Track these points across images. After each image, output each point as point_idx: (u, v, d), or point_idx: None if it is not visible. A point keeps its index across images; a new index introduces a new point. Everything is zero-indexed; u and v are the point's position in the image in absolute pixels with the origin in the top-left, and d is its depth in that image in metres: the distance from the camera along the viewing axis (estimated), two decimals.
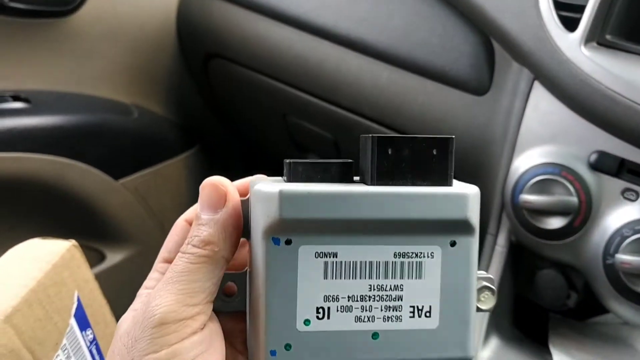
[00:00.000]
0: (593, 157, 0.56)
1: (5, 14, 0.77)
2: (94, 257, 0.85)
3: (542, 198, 0.56)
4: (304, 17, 0.75)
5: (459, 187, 0.28)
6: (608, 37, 0.55)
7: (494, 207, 0.62)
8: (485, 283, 0.29)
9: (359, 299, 0.27)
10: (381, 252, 0.27)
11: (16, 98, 0.79)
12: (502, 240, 0.62)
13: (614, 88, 0.54)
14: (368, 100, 0.71)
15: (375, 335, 0.27)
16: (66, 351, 0.42)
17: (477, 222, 0.28)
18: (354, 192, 0.26)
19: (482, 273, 0.29)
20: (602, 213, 0.55)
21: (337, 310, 0.27)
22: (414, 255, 0.27)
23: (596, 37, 0.55)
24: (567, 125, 0.57)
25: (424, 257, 0.27)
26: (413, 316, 0.27)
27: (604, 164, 0.55)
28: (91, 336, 0.44)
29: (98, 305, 0.46)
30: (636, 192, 0.54)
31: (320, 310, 0.27)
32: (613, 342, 0.61)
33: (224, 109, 0.94)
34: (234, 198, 0.28)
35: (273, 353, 0.26)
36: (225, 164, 1.00)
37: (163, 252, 0.30)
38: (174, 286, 0.26)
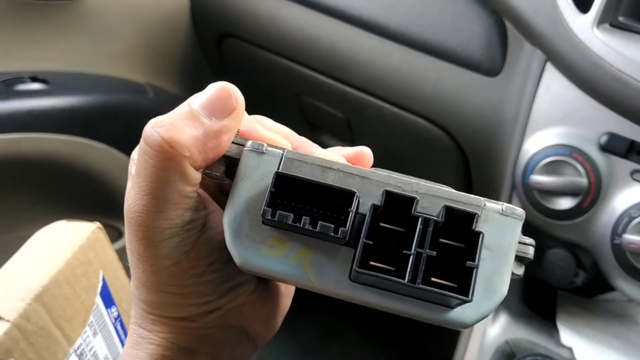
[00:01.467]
0: (603, 139, 0.56)
1: None
2: (111, 235, 0.87)
3: (553, 179, 0.57)
4: None
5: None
6: (621, 18, 0.55)
7: (504, 188, 0.63)
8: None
9: None
10: None
11: (34, 79, 0.80)
12: None
13: (626, 70, 0.54)
14: (380, 80, 0.72)
15: None
16: (93, 328, 0.44)
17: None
18: (329, 290, 0.24)
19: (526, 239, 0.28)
20: (611, 194, 0.56)
21: None
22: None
23: (609, 19, 0.55)
24: (579, 107, 0.58)
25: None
26: None
27: (614, 146, 0.56)
28: (116, 313, 0.47)
29: (121, 284, 0.48)
30: None
31: None
32: (619, 319, 0.63)
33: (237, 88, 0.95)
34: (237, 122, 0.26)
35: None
36: None
37: None
38: (145, 200, 0.25)
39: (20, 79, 0.80)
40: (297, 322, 1.10)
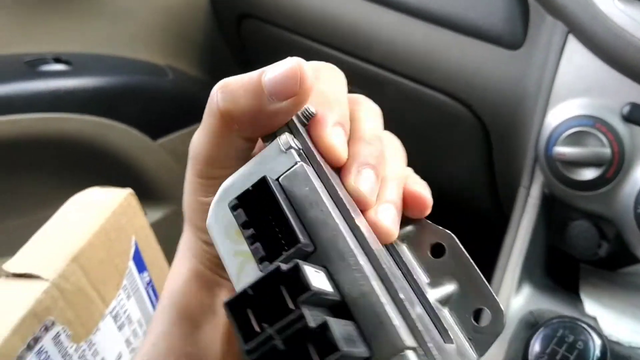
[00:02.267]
0: (626, 109, 0.56)
1: None
2: None
3: (576, 150, 0.57)
4: None
5: None
6: None
7: (527, 160, 0.63)
8: None
9: None
10: None
11: (57, 60, 0.81)
12: (535, 192, 0.63)
13: None
14: (401, 56, 0.72)
15: None
16: (126, 291, 0.45)
17: None
18: None
19: None
20: (634, 164, 0.56)
21: None
22: None
23: None
24: (601, 78, 0.58)
25: None
26: None
27: (637, 116, 0.56)
28: (148, 278, 0.47)
29: (153, 250, 0.49)
30: None
31: None
32: None
33: (256, 69, 0.96)
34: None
35: None
36: None
37: None
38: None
39: (44, 60, 0.81)
40: None
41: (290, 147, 0.24)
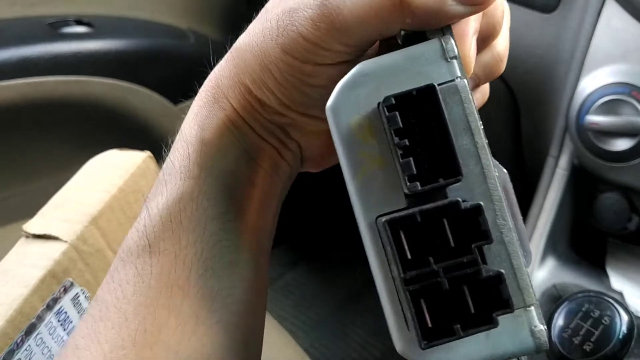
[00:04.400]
0: None
1: None
2: None
3: (609, 119, 0.55)
4: None
5: None
6: None
7: (557, 129, 0.61)
8: None
9: None
10: None
11: (79, 22, 0.80)
12: (563, 163, 0.61)
13: None
14: None
15: None
16: None
17: None
18: None
19: None
20: None
21: None
22: None
23: None
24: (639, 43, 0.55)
25: None
26: None
27: None
28: None
29: None
30: None
31: None
32: None
33: None
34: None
35: None
36: None
37: None
38: None
39: (66, 22, 0.80)
40: (335, 276, 1.11)
41: (455, 56, 0.22)
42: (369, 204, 0.21)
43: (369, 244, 0.21)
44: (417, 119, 0.20)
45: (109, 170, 0.44)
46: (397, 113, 0.20)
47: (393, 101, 0.20)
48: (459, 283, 0.20)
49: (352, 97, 0.22)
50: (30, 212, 0.43)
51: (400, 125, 0.20)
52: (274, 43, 0.25)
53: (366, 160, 0.22)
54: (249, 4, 0.93)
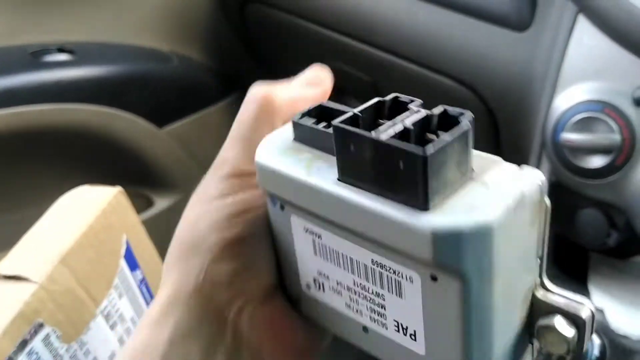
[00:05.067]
0: (638, 93, 0.54)
1: None
2: (142, 203, 0.89)
3: (584, 136, 0.55)
4: None
5: (441, 213, 0.19)
6: None
7: (534, 147, 0.61)
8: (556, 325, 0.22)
9: (346, 288, 0.24)
10: (360, 253, 0.22)
11: (61, 50, 0.81)
12: None
13: None
14: (405, 40, 0.70)
15: (365, 329, 0.24)
16: (118, 290, 0.45)
17: (478, 266, 0.20)
18: (317, 187, 0.22)
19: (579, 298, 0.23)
20: None
21: (329, 289, 0.24)
22: (391, 271, 0.22)
23: None
24: (612, 60, 0.55)
25: (402, 277, 0.21)
26: (398, 331, 0.23)
27: None
28: (140, 276, 0.47)
29: (145, 248, 0.48)
30: None
31: (316, 282, 0.25)
32: None
33: (262, 54, 0.94)
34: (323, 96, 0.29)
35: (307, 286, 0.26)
36: None
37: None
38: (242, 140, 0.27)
39: (48, 51, 0.81)
40: None
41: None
42: (327, 176, 0.23)
43: None
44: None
45: (80, 208, 0.44)
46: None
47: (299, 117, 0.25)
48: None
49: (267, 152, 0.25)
50: (16, 242, 0.44)
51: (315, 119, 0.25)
52: None
53: (307, 159, 0.25)
54: (231, 24, 0.93)
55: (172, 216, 0.98)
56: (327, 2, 0.77)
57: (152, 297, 0.48)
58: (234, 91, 0.95)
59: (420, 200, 0.19)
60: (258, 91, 0.27)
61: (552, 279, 0.61)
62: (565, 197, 0.61)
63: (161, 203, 0.90)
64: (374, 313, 0.23)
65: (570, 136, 0.55)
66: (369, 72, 0.77)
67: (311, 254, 0.24)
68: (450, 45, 0.67)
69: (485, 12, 0.63)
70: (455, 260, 0.19)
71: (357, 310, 0.24)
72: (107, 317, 0.44)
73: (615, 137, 0.54)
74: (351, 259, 0.23)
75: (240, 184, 0.26)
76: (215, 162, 0.27)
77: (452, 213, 0.19)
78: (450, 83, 0.69)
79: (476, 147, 0.23)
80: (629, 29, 0.53)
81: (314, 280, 0.25)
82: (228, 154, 0.26)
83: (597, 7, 0.55)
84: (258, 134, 0.26)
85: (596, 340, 0.39)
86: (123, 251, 0.46)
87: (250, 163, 0.25)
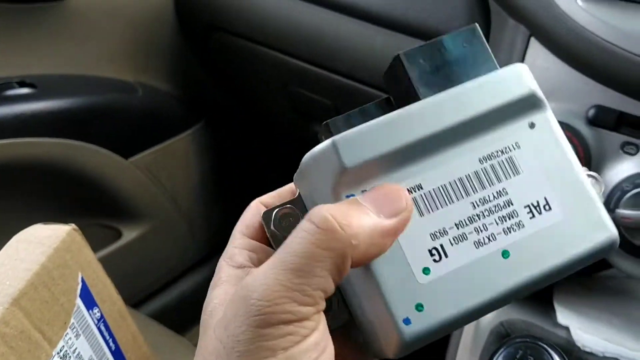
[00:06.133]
0: (591, 112, 0.55)
1: (4, 2, 0.78)
2: (110, 235, 0.88)
3: None
4: None
5: (508, 67, 0.25)
6: None
7: None
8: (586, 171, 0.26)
9: (468, 221, 0.23)
10: (464, 164, 0.24)
11: (22, 84, 0.80)
12: None
13: (611, 40, 0.52)
14: (365, 65, 0.71)
15: (505, 253, 0.23)
16: (75, 330, 0.44)
17: (542, 95, 0.26)
18: (411, 111, 0.24)
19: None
20: (601, 168, 0.55)
21: (452, 244, 0.23)
22: (499, 153, 0.24)
23: None
24: (564, 81, 0.56)
25: (509, 150, 0.24)
26: (533, 216, 0.24)
27: (602, 119, 0.54)
28: (98, 314, 0.46)
29: (103, 285, 0.48)
30: (636, 145, 0.54)
31: (434, 251, 0.23)
32: (619, 296, 0.61)
33: (226, 82, 0.95)
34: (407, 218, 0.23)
35: (407, 321, 0.22)
36: (231, 137, 1.01)
37: (240, 227, 0.26)
38: (285, 275, 0.20)
39: (9, 85, 0.80)
40: None
41: None
42: None
43: None
44: None
45: (32, 247, 0.44)
46: None
47: None
48: None
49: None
50: None
51: None
52: None
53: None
54: (195, 53, 0.93)
55: (141, 247, 0.96)
56: (289, 30, 0.77)
57: (110, 335, 0.47)
58: (199, 120, 0.94)
59: (493, 65, 0.26)
60: (325, 215, 0.21)
61: (519, 300, 0.61)
62: None
63: (129, 234, 0.88)
64: (505, 219, 0.24)
65: None
66: (331, 97, 0.78)
67: (415, 220, 0.23)
68: None
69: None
70: (535, 87, 0.26)
71: (488, 238, 0.24)
72: (63, 358, 0.43)
73: None
74: (460, 179, 0.24)
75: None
76: (246, 305, 0.21)
77: (511, 66, 0.26)
78: None
79: None
80: (580, 51, 0.55)
81: (432, 252, 0.23)
82: (267, 294, 0.20)
83: (547, 30, 0.56)
84: (317, 269, 0.21)
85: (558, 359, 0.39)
86: (79, 290, 0.45)
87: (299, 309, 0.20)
